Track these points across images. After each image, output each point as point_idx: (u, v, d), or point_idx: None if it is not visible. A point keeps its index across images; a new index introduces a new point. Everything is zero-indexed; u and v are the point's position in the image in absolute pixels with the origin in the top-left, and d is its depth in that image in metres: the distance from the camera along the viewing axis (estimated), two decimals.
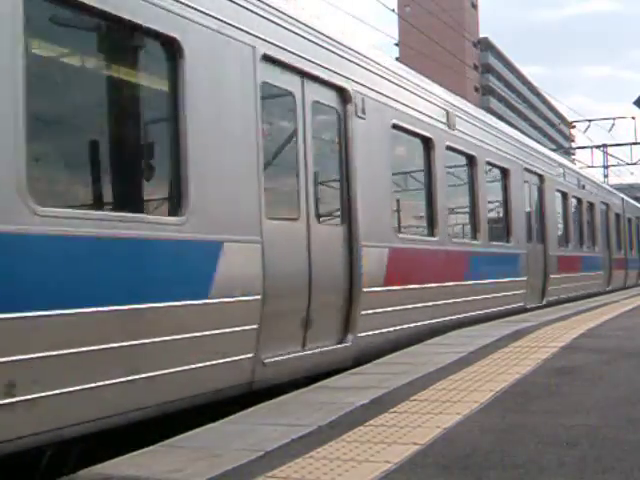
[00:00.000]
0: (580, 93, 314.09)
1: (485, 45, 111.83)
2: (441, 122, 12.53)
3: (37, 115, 5.38)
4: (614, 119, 42.59)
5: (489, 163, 14.75)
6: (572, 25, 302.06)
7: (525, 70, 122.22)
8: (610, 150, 44.36)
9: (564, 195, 20.38)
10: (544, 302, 18.00)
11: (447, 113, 12.79)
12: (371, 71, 10.15)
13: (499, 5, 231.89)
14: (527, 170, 17.05)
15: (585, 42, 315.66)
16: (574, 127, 55.24)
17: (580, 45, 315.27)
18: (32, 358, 5.06)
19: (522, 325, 14.05)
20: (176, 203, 6.48)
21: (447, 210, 12.66)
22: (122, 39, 6.27)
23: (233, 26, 7.20)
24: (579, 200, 22.26)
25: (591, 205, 23.75)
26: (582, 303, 19.30)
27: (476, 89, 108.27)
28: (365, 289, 9.45)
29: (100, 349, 5.56)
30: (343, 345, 9.17)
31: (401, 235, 11.03)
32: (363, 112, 9.64)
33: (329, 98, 9.19)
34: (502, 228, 15.85)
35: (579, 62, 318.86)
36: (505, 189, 15.74)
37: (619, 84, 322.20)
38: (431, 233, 12.11)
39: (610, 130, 43.21)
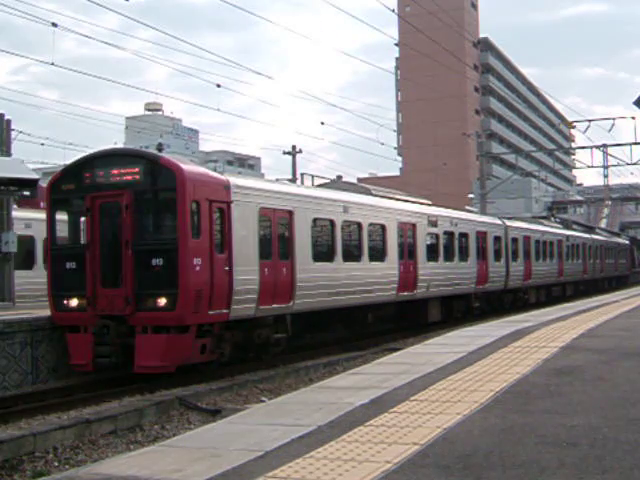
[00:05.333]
0: (575, 94, 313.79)
1: (485, 45, 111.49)
2: None
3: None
4: (614, 119, 42.50)
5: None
6: (566, 27, 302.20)
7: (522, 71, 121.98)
8: (610, 150, 44.25)
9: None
10: None
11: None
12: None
13: (494, 7, 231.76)
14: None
15: (579, 43, 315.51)
16: (574, 127, 55.16)
17: (574, 46, 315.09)
18: None
19: (522, 325, 14.04)
20: None
21: None
22: None
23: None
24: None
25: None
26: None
27: (476, 89, 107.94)
28: None
29: None
30: None
31: None
32: None
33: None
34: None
35: (574, 63, 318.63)
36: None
37: (614, 85, 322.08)
38: None
39: (610, 130, 43.13)
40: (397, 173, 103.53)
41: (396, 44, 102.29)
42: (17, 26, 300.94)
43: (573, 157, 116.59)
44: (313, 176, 25.12)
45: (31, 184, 20.71)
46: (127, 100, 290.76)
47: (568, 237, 41.39)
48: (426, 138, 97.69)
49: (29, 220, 21.23)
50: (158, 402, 12.18)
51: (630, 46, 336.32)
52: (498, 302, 30.87)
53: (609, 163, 45.06)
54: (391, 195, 23.96)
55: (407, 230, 22.85)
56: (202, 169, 15.56)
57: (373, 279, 20.38)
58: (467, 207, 47.26)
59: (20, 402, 13.18)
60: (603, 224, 79.43)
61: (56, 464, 9.49)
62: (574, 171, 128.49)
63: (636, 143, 42.09)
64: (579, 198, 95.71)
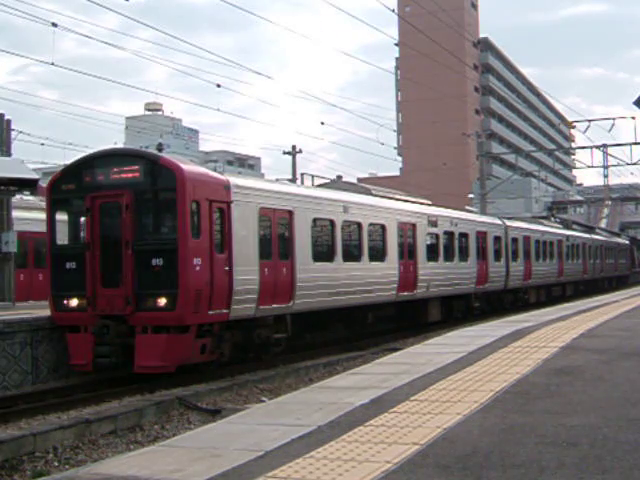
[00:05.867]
0: (575, 94, 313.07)
1: (485, 45, 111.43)
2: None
3: None
4: (614, 119, 42.45)
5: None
6: (565, 27, 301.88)
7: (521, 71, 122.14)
8: (610, 150, 44.19)
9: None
10: None
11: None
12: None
13: (494, 7, 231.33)
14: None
15: (579, 43, 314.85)
16: (574, 127, 55.12)
17: (574, 46, 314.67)
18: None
19: (522, 325, 14.04)
20: None
21: None
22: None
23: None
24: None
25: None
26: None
27: (476, 89, 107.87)
28: None
29: None
30: None
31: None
32: None
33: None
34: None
35: (573, 63, 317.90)
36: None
37: (614, 85, 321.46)
38: None
39: (610, 130, 43.07)
40: (397, 173, 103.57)
41: (396, 44, 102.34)
42: (17, 26, 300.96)
43: (573, 157, 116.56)
44: (313, 176, 25.15)
45: (31, 184, 20.71)
46: (127, 100, 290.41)
47: (568, 237, 41.41)
48: (426, 138, 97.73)
49: None
50: (158, 402, 12.18)
51: (629, 46, 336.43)
52: (498, 302, 30.88)
53: (609, 163, 45.06)
54: (391, 195, 23.97)
55: (407, 230, 22.86)
56: (202, 169, 15.56)
57: (373, 279, 20.38)
58: (467, 207, 47.28)
59: (20, 402, 13.18)
60: (603, 224, 79.43)
61: (56, 464, 9.49)
62: (574, 171, 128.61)
63: (636, 143, 42.09)
64: (579, 198, 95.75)
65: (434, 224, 24.71)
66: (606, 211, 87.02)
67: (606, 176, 47.70)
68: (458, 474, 4.44)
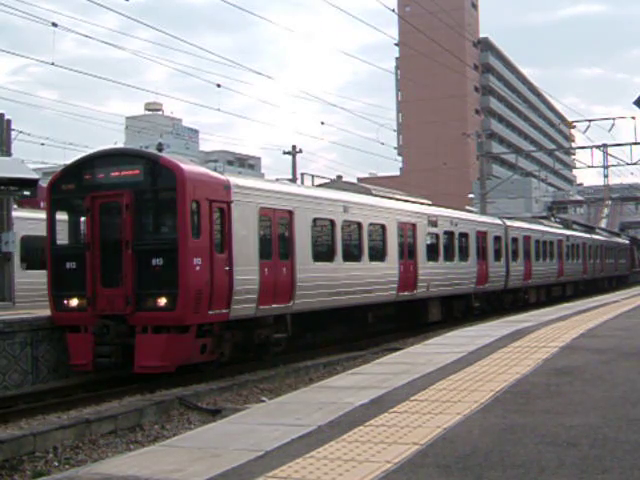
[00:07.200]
0: (574, 95, 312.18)
1: (485, 45, 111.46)
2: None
3: None
4: (614, 119, 42.43)
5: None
6: (564, 27, 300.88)
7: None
8: (610, 150, 44.16)
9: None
10: None
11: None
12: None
13: (494, 7, 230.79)
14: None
15: (578, 44, 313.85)
16: (574, 127, 55.12)
17: (573, 47, 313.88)
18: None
19: (522, 325, 14.05)
20: None
21: None
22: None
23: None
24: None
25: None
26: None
27: (476, 89, 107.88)
28: None
29: None
30: None
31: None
32: None
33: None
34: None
35: (573, 64, 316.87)
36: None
37: (613, 86, 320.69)
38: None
39: (610, 130, 43.04)
40: (397, 173, 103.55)
41: (396, 44, 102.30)
42: (17, 26, 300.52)
43: (573, 157, 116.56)
44: (313, 176, 25.15)
45: (31, 184, 20.72)
46: (127, 100, 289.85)
47: (568, 237, 41.41)
48: (426, 138, 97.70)
49: None
50: (158, 402, 12.19)
51: (628, 46, 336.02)
52: (498, 302, 30.89)
53: (609, 163, 45.05)
54: (391, 195, 23.98)
55: (407, 230, 22.86)
56: (202, 169, 15.57)
57: (373, 279, 20.38)
58: (467, 207, 47.28)
59: (20, 402, 13.18)
60: (603, 224, 79.41)
61: (56, 464, 9.50)
62: (574, 171, 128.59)
63: (636, 143, 42.09)
64: (579, 198, 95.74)
65: (434, 224, 24.71)
66: (606, 211, 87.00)
67: (606, 176, 47.71)
68: (458, 474, 4.44)
